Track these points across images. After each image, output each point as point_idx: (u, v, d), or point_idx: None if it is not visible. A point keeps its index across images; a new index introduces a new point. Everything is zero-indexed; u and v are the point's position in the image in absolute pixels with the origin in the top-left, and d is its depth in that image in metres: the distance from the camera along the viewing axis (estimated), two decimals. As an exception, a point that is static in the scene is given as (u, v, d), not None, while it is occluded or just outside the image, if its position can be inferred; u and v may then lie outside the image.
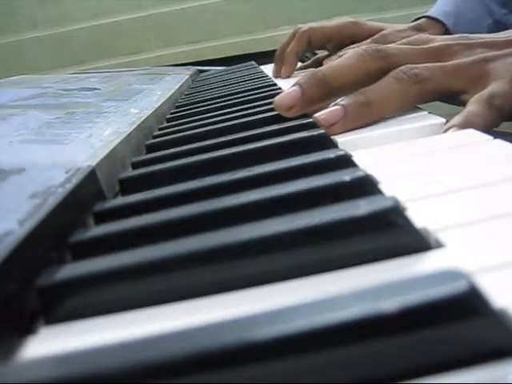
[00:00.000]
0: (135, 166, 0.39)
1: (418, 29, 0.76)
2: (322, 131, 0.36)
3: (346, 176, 0.26)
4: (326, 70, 0.46)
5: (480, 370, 0.14)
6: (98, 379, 0.15)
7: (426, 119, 0.41)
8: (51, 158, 0.35)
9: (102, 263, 0.23)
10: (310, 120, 0.41)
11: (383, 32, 0.73)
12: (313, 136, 0.35)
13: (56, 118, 0.46)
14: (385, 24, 0.80)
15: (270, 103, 0.45)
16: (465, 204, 0.24)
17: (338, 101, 0.43)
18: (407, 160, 0.32)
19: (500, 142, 0.31)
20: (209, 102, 0.61)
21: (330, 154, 0.30)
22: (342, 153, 0.30)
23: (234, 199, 0.26)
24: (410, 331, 0.14)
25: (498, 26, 0.77)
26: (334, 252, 0.21)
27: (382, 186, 0.26)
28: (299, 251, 0.21)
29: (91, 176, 0.32)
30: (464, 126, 0.38)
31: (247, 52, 1.32)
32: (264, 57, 1.01)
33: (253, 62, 1.00)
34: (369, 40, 0.72)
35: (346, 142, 0.38)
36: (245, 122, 0.45)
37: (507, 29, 0.51)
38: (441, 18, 0.78)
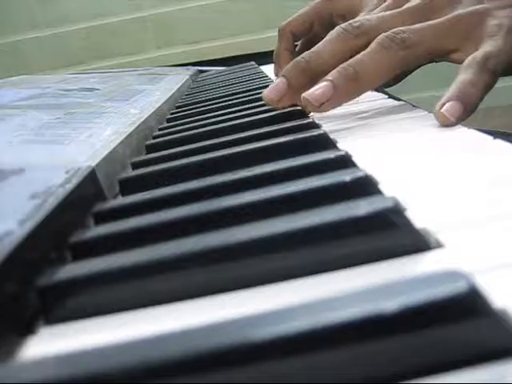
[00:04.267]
0: (135, 166, 0.39)
1: None
2: (322, 131, 0.36)
3: (346, 176, 0.26)
4: (308, 56, 0.45)
5: (480, 370, 0.14)
6: (98, 379, 0.15)
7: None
8: (51, 158, 0.35)
9: (102, 263, 0.23)
10: (310, 120, 0.41)
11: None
12: (313, 136, 0.35)
13: (56, 118, 0.46)
14: None
15: None
16: (465, 204, 0.24)
17: (326, 76, 0.42)
18: (406, 160, 0.32)
19: (500, 142, 0.31)
20: (209, 103, 0.61)
21: (330, 155, 0.30)
22: (342, 153, 0.30)
23: (234, 199, 0.26)
24: (410, 331, 0.14)
25: None
26: (334, 252, 0.21)
27: (382, 186, 0.26)
28: (299, 251, 0.21)
29: (91, 176, 0.32)
30: (460, 98, 0.37)
31: (247, 52, 1.31)
32: (264, 57, 1.01)
33: (253, 63, 1.00)
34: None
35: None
36: (245, 122, 0.45)
37: None
38: None
